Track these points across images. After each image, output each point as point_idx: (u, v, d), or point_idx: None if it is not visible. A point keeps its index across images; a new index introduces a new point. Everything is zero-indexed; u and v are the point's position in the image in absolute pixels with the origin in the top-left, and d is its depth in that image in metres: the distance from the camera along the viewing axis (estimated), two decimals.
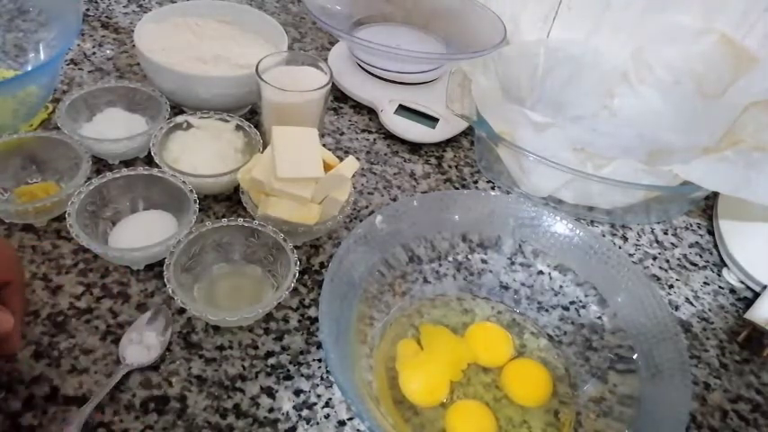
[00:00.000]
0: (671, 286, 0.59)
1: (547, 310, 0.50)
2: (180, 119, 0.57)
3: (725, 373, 0.51)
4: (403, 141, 0.68)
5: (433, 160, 0.67)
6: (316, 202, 0.50)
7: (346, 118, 0.70)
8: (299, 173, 0.48)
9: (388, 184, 0.63)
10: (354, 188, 0.54)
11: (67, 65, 0.69)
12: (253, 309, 0.44)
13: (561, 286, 0.50)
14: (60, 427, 0.39)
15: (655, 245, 0.63)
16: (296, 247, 0.48)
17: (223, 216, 0.55)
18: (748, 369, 0.52)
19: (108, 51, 0.73)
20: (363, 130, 0.69)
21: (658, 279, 0.59)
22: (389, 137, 0.68)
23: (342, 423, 0.43)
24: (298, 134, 0.51)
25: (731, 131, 0.60)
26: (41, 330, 0.44)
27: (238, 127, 0.58)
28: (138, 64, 0.69)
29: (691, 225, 0.66)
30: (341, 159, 0.52)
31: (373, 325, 0.46)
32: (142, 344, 0.44)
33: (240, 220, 0.48)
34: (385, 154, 0.66)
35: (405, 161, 0.66)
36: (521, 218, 0.50)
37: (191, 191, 0.50)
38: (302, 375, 0.45)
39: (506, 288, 0.51)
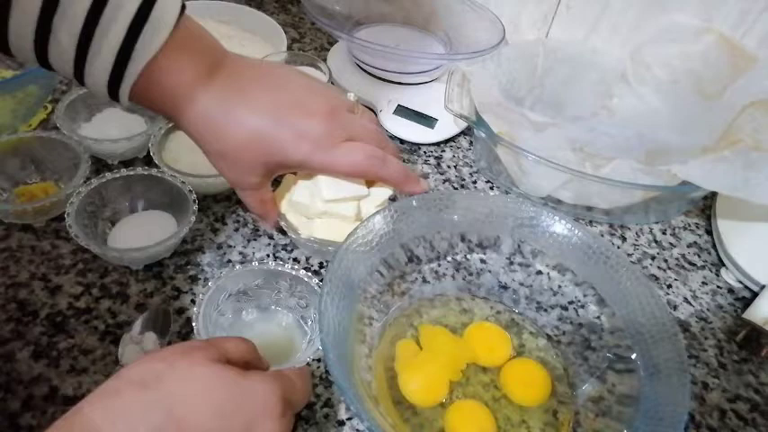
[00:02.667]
0: (669, 286, 0.59)
1: (545, 310, 0.50)
2: None
3: (723, 373, 0.51)
4: (402, 141, 0.68)
5: (431, 160, 0.67)
6: (359, 220, 0.49)
7: None
8: (345, 193, 0.47)
9: None
10: None
11: None
12: (285, 366, 0.40)
13: (560, 286, 0.50)
14: None
15: (653, 245, 0.63)
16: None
17: (222, 216, 0.55)
18: (746, 369, 0.52)
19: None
20: None
21: (657, 279, 0.59)
22: (388, 137, 0.68)
23: (341, 423, 0.43)
24: None
25: (730, 131, 0.60)
26: (40, 330, 0.44)
27: None
28: None
29: (689, 225, 0.66)
30: None
31: (372, 325, 0.46)
32: (140, 345, 0.43)
33: (272, 264, 0.46)
34: None
35: (404, 161, 0.66)
36: (520, 218, 0.50)
37: (190, 191, 0.50)
38: None
39: (505, 288, 0.52)
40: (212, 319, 0.44)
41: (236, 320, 0.46)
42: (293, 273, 0.46)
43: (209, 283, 0.44)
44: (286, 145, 0.41)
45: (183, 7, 0.37)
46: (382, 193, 0.51)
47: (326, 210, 0.48)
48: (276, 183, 0.59)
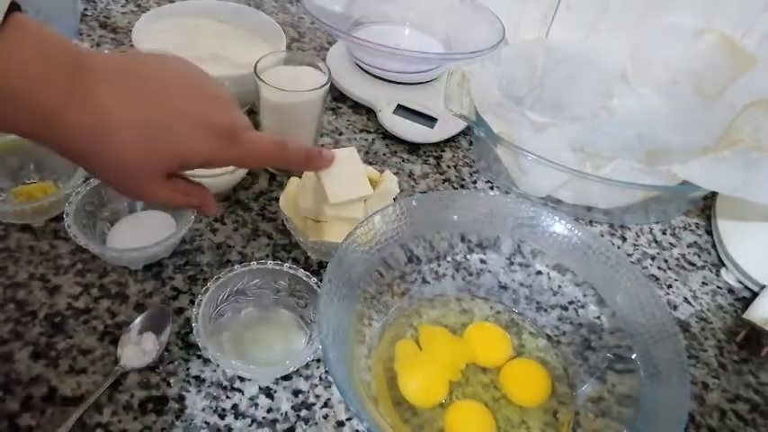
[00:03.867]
0: (669, 286, 0.59)
1: (545, 310, 0.50)
2: None
3: (723, 373, 0.51)
4: (401, 141, 0.68)
5: (431, 160, 0.67)
6: None
7: (345, 118, 0.70)
8: (350, 195, 0.47)
9: None
10: None
11: None
12: (285, 366, 0.41)
13: (560, 286, 0.50)
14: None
15: (653, 245, 0.63)
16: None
17: (221, 216, 0.55)
18: (746, 369, 0.52)
19: (106, 51, 0.73)
20: (362, 130, 0.69)
21: (657, 279, 0.59)
22: (388, 137, 0.68)
23: (340, 423, 0.43)
24: (340, 156, 0.50)
25: (730, 131, 0.60)
26: (39, 331, 0.44)
27: None
28: None
29: (689, 225, 0.66)
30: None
31: (372, 325, 0.46)
32: (139, 345, 0.43)
33: (271, 264, 0.46)
34: (384, 154, 0.66)
35: (403, 161, 0.66)
36: (519, 218, 0.50)
37: None
38: (301, 376, 0.45)
39: (505, 288, 0.51)
40: (211, 319, 0.44)
41: (236, 320, 0.46)
42: (292, 272, 0.46)
43: (209, 284, 0.44)
44: (187, 143, 0.36)
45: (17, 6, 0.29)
46: (389, 192, 0.51)
47: (334, 213, 0.47)
48: (280, 186, 0.59)
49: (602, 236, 0.63)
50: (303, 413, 0.43)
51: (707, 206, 0.68)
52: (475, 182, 0.66)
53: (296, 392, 0.44)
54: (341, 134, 0.68)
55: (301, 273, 0.46)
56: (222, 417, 0.42)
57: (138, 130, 0.34)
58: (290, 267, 0.46)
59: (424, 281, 0.51)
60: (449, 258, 0.51)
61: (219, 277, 0.44)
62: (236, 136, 0.37)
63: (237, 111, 0.39)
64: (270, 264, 0.46)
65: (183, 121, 0.35)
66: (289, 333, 0.47)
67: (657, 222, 0.65)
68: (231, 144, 0.37)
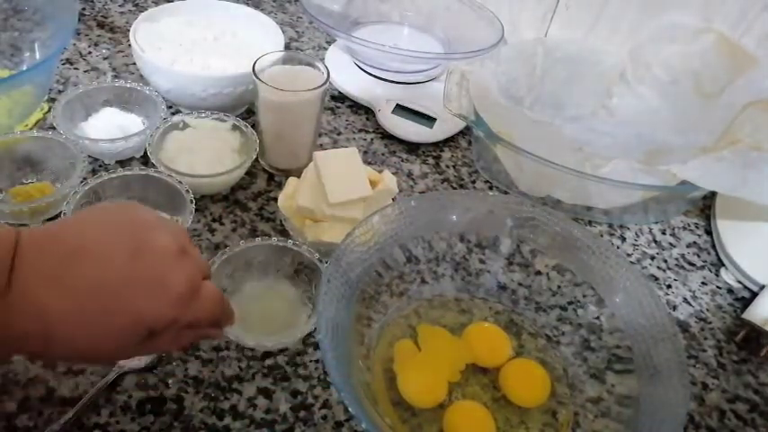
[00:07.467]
0: (669, 286, 0.58)
1: (545, 311, 0.50)
2: (176, 119, 0.57)
3: (723, 374, 0.51)
4: (400, 141, 0.68)
5: (430, 160, 0.67)
6: None
7: (343, 118, 0.70)
8: (350, 195, 0.48)
9: None
10: None
11: (63, 64, 0.69)
12: (290, 333, 0.43)
13: (559, 286, 0.50)
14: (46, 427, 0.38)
15: (653, 245, 0.63)
16: None
17: (220, 216, 0.55)
18: (746, 369, 0.52)
19: (104, 51, 0.72)
20: (361, 130, 0.69)
21: (656, 279, 0.59)
22: (387, 136, 0.68)
23: (339, 424, 0.43)
24: (340, 156, 0.51)
25: (729, 131, 0.60)
26: None
27: (235, 127, 0.58)
28: (134, 63, 0.69)
29: (689, 225, 0.66)
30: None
31: (371, 326, 0.46)
32: None
33: (274, 240, 0.47)
34: (382, 154, 0.66)
35: (402, 161, 0.66)
36: (518, 218, 0.50)
37: (187, 191, 0.50)
38: (299, 376, 0.45)
39: (504, 288, 0.51)
40: None
41: (239, 294, 0.47)
42: (296, 249, 0.47)
43: (214, 258, 0.45)
44: (145, 312, 0.31)
45: None
46: (387, 192, 0.51)
47: (333, 213, 0.47)
48: (279, 186, 0.59)
49: (602, 236, 0.63)
50: (302, 414, 0.43)
51: (707, 206, 0.68)
52: (474, 182, 0.66)
53: (294, 393, 0.44)
54: (339, 134, 0.68)
55: (304, 249, 0.47)
56: (221, 418, 0.41)
57: (79, 318, 0.29)
58: (293, 244, 0.47)
59: (423, 281, 0.50)
60: (448, 258, 0.51)
61: (225, 252, 0.46)
62: (196, 293, 0.33)
63: (192, 257, 0.34)
64: (274, 240, 0.47)
65: (135, 288, 0.31)
66: (292, 308, 0.48)
67: (657, 222, 0.65)
68: (190, 303, 0.33)
